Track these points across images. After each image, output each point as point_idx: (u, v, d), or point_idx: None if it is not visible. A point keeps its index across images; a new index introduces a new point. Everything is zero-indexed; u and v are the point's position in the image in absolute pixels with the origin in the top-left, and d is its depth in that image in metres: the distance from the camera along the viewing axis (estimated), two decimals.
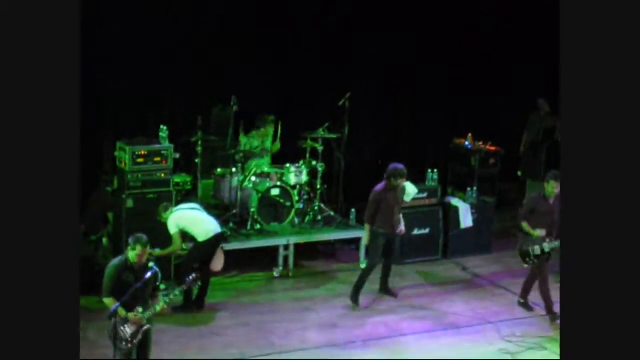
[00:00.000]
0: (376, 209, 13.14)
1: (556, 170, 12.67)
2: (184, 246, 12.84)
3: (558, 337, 12.19)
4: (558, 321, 12.46)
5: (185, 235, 12.70)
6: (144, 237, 9.92)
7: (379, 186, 13.20)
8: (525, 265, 12.93)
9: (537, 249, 12.62)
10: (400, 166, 13.06)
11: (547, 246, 12.59)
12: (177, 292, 10.46)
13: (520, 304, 13.33)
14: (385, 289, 13.69)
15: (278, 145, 15.14)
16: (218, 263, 12.91)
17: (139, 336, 9.82)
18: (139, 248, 9.78)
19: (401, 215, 13.52)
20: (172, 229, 12.57)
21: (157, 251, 12.27)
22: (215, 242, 12.80)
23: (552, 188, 12.61)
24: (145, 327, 9.84)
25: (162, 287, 10.22)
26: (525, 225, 12.81)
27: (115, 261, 9.95)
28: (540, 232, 12.64)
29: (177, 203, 13.34)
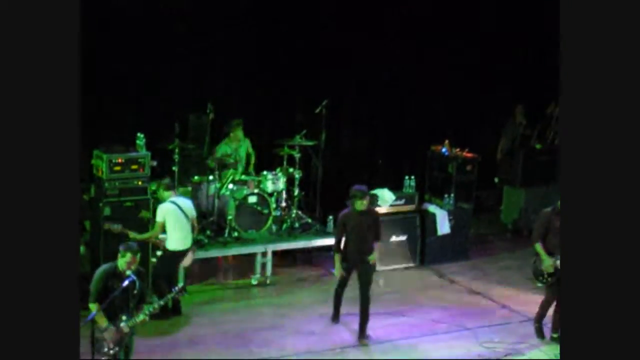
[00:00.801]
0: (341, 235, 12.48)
1: None
2: (161, 237, 12.86)
3: (536, 343, 12.30)
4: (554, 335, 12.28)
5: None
6: (135, 245, 9.95)
7: (344, 210, 12.60)
8: (539, 285, 12.40)
9: (550, 267, 12.04)
10: (357, 187, 12.46)
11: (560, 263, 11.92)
12: (160, 303, 10.43)
13: (535, 328, 12.55)
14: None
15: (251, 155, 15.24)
16: (187, 260, 12.96)
17: (121, 343, 9.80)
18: (129, 256, 9.78)
19: (375, 245, 12.52)
20: (159, 217, 12.74)
21: (133, 234, 12.58)
22: (179, 257, 12.93)
23: None
24: (127, 332, 9.82)
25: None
26: (539, 248, 12.09)
27: (105, 267, 9.97)
28: (552, 261, 11.90)
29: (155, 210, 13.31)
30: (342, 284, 12.69)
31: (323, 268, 15.22)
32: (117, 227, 12.68)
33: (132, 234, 12.55)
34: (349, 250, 12.40)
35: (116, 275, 9.80)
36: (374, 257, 12.44)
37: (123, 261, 9.80)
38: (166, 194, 12.86)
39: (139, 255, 9.92)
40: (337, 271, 12.48)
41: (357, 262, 12.38)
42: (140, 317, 9.90)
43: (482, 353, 12.09)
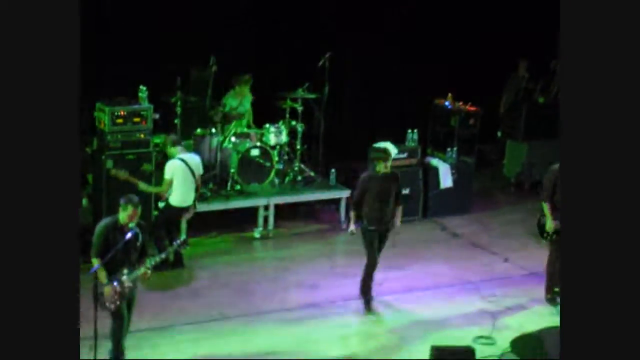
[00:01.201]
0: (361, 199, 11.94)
1: None
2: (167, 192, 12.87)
3: (538, 296, 12.33)
4: (555, 305, 12.07)
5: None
6: (136, 198, 9.92)
7: (365, 173, 12.13)
8: (543, 241, 12.28)
9: (557, 224, 11.78)
10: (379, 146, 12.18)
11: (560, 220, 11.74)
12: (161, 256, 10.45)
13: (548, 300, 12.23)
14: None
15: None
16: (187, 215, 13.03)
17: (124, 296, 9.82)
18: (130, 208, 9.76)
19: (400, 208, 12.18)
20: (168, 174, 12.71)
21: (142, 185, 12.61)
22: (180, 212, 12.95)
23: None
24: (129, 286, 9.84)
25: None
26: (546, 208, 11.86)
27: (106, 220, 9.95)
28: (556, 223, 11.74)
29: (157, 163, 13.30)
30: (374, 264, 11.90)
31: (325, 221, 15.24)
32: (123, 174, 12.64)
33: (142, 184, 12.53)
34: (372, 217, 11.82)
35: (117, 229, 9.79)
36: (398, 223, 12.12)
37: (124, 214, 9.79)
38: (174, 150, 12.80)
39: (139, 208, 9.90)
40: (351, 228, 12.02)
41: (381, 229, 11.88)
42: (142, 270, 9.91)
43: (484, 306, 12.13)
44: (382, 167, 11.79)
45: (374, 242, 11.83)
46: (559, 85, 17.85)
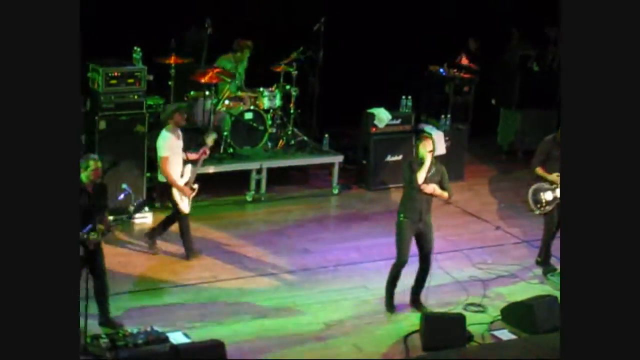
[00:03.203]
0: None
1: None
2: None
3: (529, 265, 12.37)
4: (550, 277, 12.08)
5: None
6: (95, 155, 9.88)
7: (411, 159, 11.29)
8: (537, 212, 12.11)
9: (549, 195, 11.91)
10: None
11: (560, 192, 11.79)
12: (122, 217, 10.40)
13: (544, 272, 12.18)
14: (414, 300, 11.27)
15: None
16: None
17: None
18: (91, 164, 9.70)
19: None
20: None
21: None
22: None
23: None
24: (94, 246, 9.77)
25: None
26: (540, 171, 11.91)
27: None
28: (556, 177, 11.72)
29: (150, 126, 13.24)
30: (403, 262, 10.99)
31: (317, 187, 15.23)
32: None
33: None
34: (411, 207, 10.91)
35: (82, 191, 9.60)
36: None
37: (86, 175, 9.70)
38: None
39: (100, 164, 9.83)
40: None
41: (418, 222, 10.92)
42: (102, 228, 9.79)
43: (475, 274, 12.17)
44: (418, 152, 10.86)
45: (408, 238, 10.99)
46: (554, 53, 17.82)
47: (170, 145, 11.96)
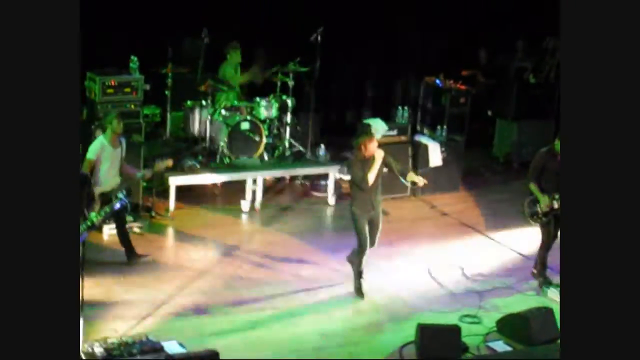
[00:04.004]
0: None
1: None
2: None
3: (525, 277, 12.36)
4: (546, 288, 12.03)
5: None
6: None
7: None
8: (533, 223, 12.12)
9: (546, 207, 11.85)
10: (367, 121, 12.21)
11: (556, 203, 11.75)
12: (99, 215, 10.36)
13: (540, 283, 12.15)
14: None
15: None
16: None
17: None
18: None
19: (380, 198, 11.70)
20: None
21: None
22: None
23: None
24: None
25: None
26: (534, 187, 11.88)
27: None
28: (548, 201, 11.70)
29: (147, 135, 13.27)
30: (365, 248, 11.58)
31: (313, 197, 15.24)
32: (163, 165, 12.51)
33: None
34: (362, 201, 11.51)
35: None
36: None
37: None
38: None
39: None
40: None
41: (371, 212, 11.52)
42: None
43: (471, 285, 12.15)
44: (363, 148, 11.37)
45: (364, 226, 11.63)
46: (551, 65, 17.86)
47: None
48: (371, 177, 11.27)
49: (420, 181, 11.77)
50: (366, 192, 11.40)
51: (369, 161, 11.30)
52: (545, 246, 12.15)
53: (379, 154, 11.31)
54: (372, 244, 11.68)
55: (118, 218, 11.84)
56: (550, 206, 11.80)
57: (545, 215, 11.88)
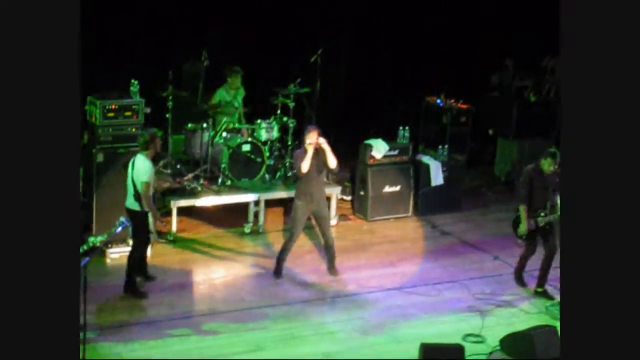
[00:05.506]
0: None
1: (553, 148, 12.33)
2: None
3: (527, 296, 12.36)
4: (549, 307, 12.16)
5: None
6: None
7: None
8: (519, 241, 12.63)
9: (531, 224, 12.20)
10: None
11: (541, 220, 12.17)
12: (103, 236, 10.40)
13: (516, 278, 12.79)
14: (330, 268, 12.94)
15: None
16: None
17: None
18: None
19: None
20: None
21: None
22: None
23: (549, 165, 12.08)
24: None
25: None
26: (522, 210, 12.22)
27: None
28: (525, 229, 12.23)
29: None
30: (295, 239, 12.73)
31: None
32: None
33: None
34: (304, 191, 12.53)
35: None
36: None
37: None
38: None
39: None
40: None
41: (311, 204, 12.55)
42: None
43: (474, 304, 12.13)
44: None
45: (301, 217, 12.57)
46: (551, 83, 17.90)
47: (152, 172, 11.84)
48: (304, 165, 12.19)
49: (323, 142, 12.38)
50: (304, 182, 12.43)
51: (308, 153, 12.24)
52: (525, 260, 12.70)
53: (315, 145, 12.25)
54: (326, 239, 12.72)
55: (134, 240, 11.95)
56: (529, 229, 12.23)
57: (531, 233, 12.30)
